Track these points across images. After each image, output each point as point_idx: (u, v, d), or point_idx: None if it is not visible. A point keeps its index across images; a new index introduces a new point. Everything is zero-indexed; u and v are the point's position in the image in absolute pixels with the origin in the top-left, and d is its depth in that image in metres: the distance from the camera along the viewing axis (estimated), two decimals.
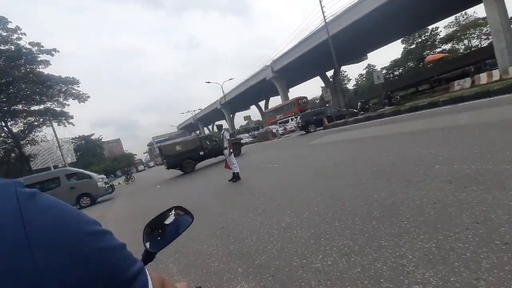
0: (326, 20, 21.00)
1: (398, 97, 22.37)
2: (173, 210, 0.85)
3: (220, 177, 8.52)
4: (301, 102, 34.00)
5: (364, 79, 61.79)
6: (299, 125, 19.74)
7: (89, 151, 52.32)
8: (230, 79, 38.62)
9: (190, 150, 14.03)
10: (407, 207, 2.72)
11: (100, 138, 60.38)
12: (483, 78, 18.21)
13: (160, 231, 0.78)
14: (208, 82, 37.30)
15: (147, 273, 0.40)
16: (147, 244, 0.73)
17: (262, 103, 61.81)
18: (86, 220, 0.31)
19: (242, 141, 18.93)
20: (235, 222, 3.79)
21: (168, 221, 0.81)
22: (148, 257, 0.71)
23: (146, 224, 0.79)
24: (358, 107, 21.28)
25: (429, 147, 4.89)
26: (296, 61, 33.86)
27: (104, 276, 0.29)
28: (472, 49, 41.63)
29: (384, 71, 49.66)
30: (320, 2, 20.22)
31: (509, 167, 3.02)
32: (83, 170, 13.33)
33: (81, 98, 25.38)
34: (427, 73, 33.97)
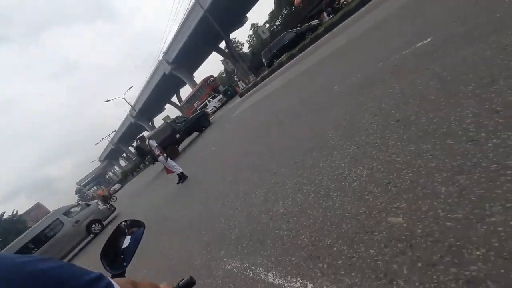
0: None
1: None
2: (122, 225, 0.83)
3: (167, 184, 8.08)
4: (210, 82, 33.35)
5: (254, 39, 63.31)
6: (266, 62, 18.07)
7: (10, 232, 43.03)
8: (130, 88, 35.09)
9: (167, 137, 13.63)
10: (328, 129, 3.07)
11: (15, 213, 49.88)
12: None
13: (116, 251, 0.76)
14: (108, 100, 33.26)
15: (109, 279, 0.40)
16: (108, 269, 0.71)
17: (175, 99, 58.65)
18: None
19: (208, 109, 17.93)
20: (200, 217, 3.74)
21: (126, 244, 0.78)
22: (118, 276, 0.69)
23: (100, 252, 0.75)
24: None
25: (328, 75, 5.47)
26: (186, 45, 32.36)
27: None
28: None
29: (267, 25, 51.45)
30: None
31: (381, 64, 3.62)
32: (77, 203, 12.56)
33: None
34: (301, 13, 36.51)
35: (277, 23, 53.52)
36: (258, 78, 16.82)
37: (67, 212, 11.11)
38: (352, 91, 3.60)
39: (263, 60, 18.63)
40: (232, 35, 50.84)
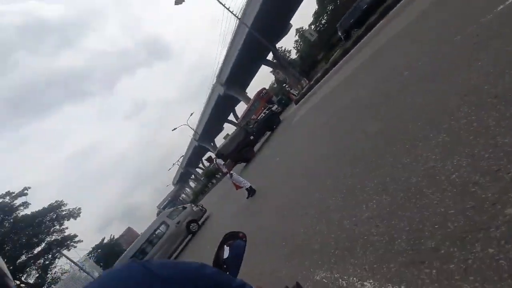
0: (239, 17, 21.43)
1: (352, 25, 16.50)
2: (225, 242, 0.85)
3: (237, 199, 8.45)
4: (263, 95, 34.26)
5: (301, 43, 63.12)
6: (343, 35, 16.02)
7: (110, 256, 50.66)
8: (191, 114, 38.68)
9: (241, 141, 14.89)
10: (407, 119, 2.83)
11: (112, 237, 58.72)
12: None
13: (224, 268, 0.79)
14: (175, 129, 37.21)
15: (251, 285, 0.47)
16: None
17: (232, 118, 62.02)
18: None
19: (274, 108, 19.51)
20: (277, 229, 3.80)
21: (226, 255, 0.82)
22: None
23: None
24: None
25: (393, 61, 5.09)
26: (236, 64, 34.24)
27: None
28: None
29: (312, 27, 50.68)
30: (224, 5, 20.65)
31: (459, 37, 3.20)
32: (175, 207, 14.57)
33: (73, 214, 24.79)
34: (349, 3, 35.01)
35: (323, 21, 52.40)
36: (312, 82, 16.58)
37: (170, 215, 13.06)
38: (428, 73, 3.26)
39: (339, 33, 16.82)
40: (278, 45, 51.81)
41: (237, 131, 15.94)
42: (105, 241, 55.43)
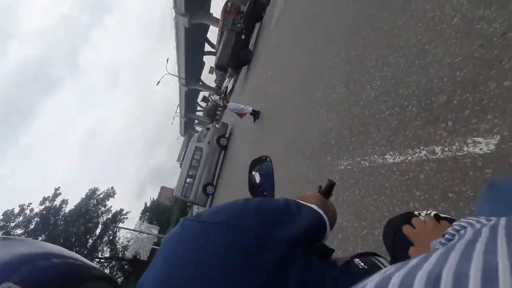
0: None
1: None
2: (253, 169, 0.90)
3: (245, 125, 8.56)
4: (229, 9, 30.73)
5: None
6: None
7: (157, 214, 56.46)
8: (167, 60, 36.14)
9: (235, 43, 14.59)
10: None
11: (152, 200, 64.21)
12: None
13: (260, 191, 0.85)
14: (158, 82, 35.51)
15: (293, 199, 0.50)
16: None
17: (208, 48, 57.72)
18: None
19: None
20: (292, 138, 3.91)
21: (258, 180, 0.87)
22: None
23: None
24: None
25: None
26: None
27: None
28: None
29: None
30: None
31: None
32: (200, 131, 15.96)
33: (110, 194, 26.89)
34: None
35: None
36: None
37: (199, 139, 14.25)
38: None
39: None
40: None
41: (226, 36, 15.01)
42: (148, 204, 60.96)
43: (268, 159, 0.87)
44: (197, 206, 15.63)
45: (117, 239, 29.37)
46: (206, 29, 44.12)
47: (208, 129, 14.26)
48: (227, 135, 13.78)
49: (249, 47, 14.76)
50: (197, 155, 13.60)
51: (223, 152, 13.74)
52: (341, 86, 2.78)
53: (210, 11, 39.05)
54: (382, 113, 1.97)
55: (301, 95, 4.03)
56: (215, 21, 35.96)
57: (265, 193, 0.83)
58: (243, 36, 14.52)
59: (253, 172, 0.89)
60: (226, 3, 31.49)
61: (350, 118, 2.42)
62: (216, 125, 13.93)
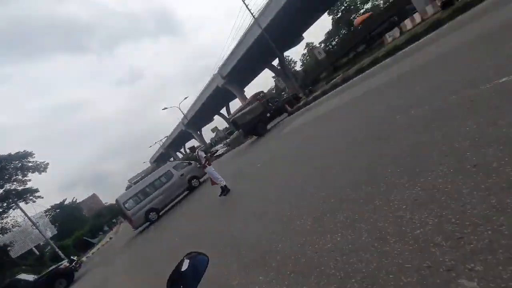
0: (255, 16, 21.38)
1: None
2: (186, 257, 0.86)
3: (210, 197, 8.37)
4: (259, 97, 34.31)
5: (307, 57, 63.85)
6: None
7: (68, 218, 48.76)
8: (185, 98, 38.00)
9: (258, 114, 15.63)
10: (387, 162, 2.90)
11: (74, 200, 56.60)
12: (408, 24, 19.64)
13: (181, 281, 0.79)
14: (165, 108, 36.44)
15: None
16: None
17: (224, 111, 61.61)
18: None
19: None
20: (241, 235, 3.78)
21: (184, 267, 0.81)
22: None
23: (167, 281, 0.80)
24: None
25: (389, 102, 5.22)
26: (241, 61, 34.09)
27: None
28: (390, 0, 44.91)
29: (322, 45, 51.64)
30: (244, 1, 20.54)
31: (454, 97, 3.34)
32: (182, 161, 15.73)
33: (40, 168, 23.62)
34: (360, 34, 35.93)
35: (333, 43, 53.32)
36: (310, 97, 16.77)
37: (176, 166, 14.11)
38: (417, 124, 3.36)
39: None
40: (286, 53, 52.16)
41: (255, 105, 16.51)
42: (66, 202, 53.33)
43: (207, 257, 0.85)
44: (115, 231, 13.71)
45: (4, 215, 24.16)
46: (231, 97, 47.95)
47: (190, 163, 14.35)
48: (201, 180, 13.85)
49: (267, 126, 16.24)
50: (164, 178, 13.33)
51: (186, 192, 13.53)
52: (308, 219, 2.87)
53: (244, 88, 43.14)
54: (329, 269, 1.98)
55: (271, 205, 4.10)
56: (243, 97, 39.54)
57: (184, 286, 0.78)
58: (268, 114, 16.01)
59: (185, 258, 0.85)
60: (260, 92, 35.17)
61: (299, 254, 2.40)
62: (198, 166, 13.96)
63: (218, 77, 38.09)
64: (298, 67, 64.91)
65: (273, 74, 47.55)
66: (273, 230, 3.21)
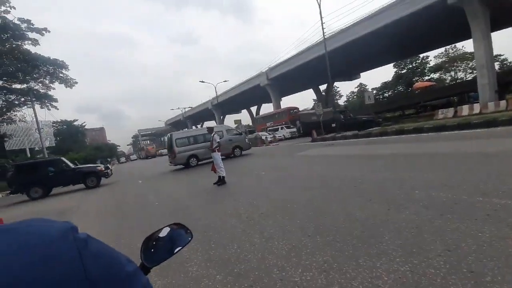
0: (325, 36, 21.52)
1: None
2: (172, 226, 0.81)
3: (207, 179, 8.47)
4: (292, 112, 34.33)
5: (355, 97, 63.40)
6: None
7: (70, 137, 50.58)
8: (225, 81, 38.70)
9: (326, 120, 15.90)
10: (386, 229, 2.83)
11: (83, 124, 58.62)
12: (465, 109, 19.10)
13: (155, 246, 0.75)
14: (202, 82, 37.17)
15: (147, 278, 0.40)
16: (143, 258, 0.71)
17: (253, 108, 62.08)
18: (125, 262, 0.32)
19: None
20: (217, 227, 3.79)
21: (163, 234, 0.77)
22: (143, 271, 0.68)
23: (144, 238, 0.76)
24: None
25: (411, 171, 5.09)
26: (292, 71, 34.35)
27: None
28: (458, 80, 43.93)
29: (374, 92, 51.22)
30: (321, 18, 20.73)
31: (481, 199, 3.20)
32: (236, 128, 17.22)
33: (68, 83, 24.54)
34: (414, 98, 35.30)
35: (386, 94, 52.66)
36: (339, 135, 16.60)
37: (228, 130, 15.58)
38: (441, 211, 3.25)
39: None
40: (337, 83, 52.08)
41: (328, 111, 17.65)
42: (75, 123, 55.37)
43: (191, 236, 0.80)
44: (125, 160, 14.46)
45: (16, 108, 25.02)
46: (266, 100, 48.38)
47: (240, 134, 16.21)
48: (245, 152, 15.84)
49: (323, 134, 17.08)
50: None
51: (223, 157, 14.33)
52: (285, 244, 2.84)
53: (282, 98, 43.43)
54: None
55: (258, 214, 4.09)
56: (277, 105, 39.75)
57: (154, 251, 0.73)
58: (333, 125, 16.66)
59: (166, 227, 0.80)
60: (294, 107, 35.21)
61: (264, 272, 2.38)
62: (247, 140, 16.14)
63: (263, 76, 38.54)
64: (341, 101, 64.61)
65: (315, 97, 47.52)
66: (248, 238, 3.20)
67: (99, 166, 14.13)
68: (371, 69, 40.72)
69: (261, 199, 4.98)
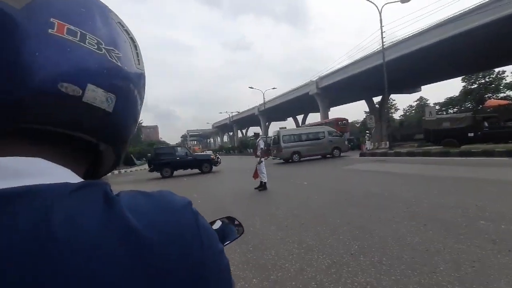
0: (385, 45, 20.44)
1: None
2: (224, 219, 0.80)
3: (246, 183, 8.61)
4: (340, 124, 33.08)
5: (413, 111, 58.72)
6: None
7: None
8: (273, 88, 39.24)
9: (458, 128, 13.29)
10: (442, 259, 2.56)
11: (140, 122, 64.47)
12: None
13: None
14: (251, 88, 38.17)
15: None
16: None
17: (299, 117, 61.50)
18: (217, 239, 0.35)
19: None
20: (256, 232, 3.84)
21: (215, 227, 0.76)
22: None
23: None
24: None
25: (477, 199, 4.53)
26: (344, 81, 33.29)
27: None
28: None
29: (437, 107, 46.71)
30: (381, 27, 19.78)
31: None
32: (335, 131, 18.25)
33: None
34: (487, 117, 31.31)
35: (451, 111, 47.71)
36: (392, 151, 15.51)
37: (330, 132, 17.32)
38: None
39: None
40: (393, 96, 48.94)
41: (464, 116, 14.14)
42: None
43: (242, 232, 0.79)
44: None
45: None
46: (313, 109, 47.61)
47: (341, 136, 17.70)
48: (342, 154, 17.29)
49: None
50: (317, 135, 16.66)
51: (320, 157, 16.99)
52: (326, 259, 2.75)
53: (330, 108, 42.39)
54: None
55: (299, 224, 4.03)
56: (325, 115, 38.89)
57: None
58: (471, 134, 13.42)
59: (218, 219, 0.82)
60: (343, 118, 34.12)
61: (301, 283, 2.34)
62: (346, 142, 18.05)
63: (313, 85, 38.06)
64: (397, 115, 60.38)
65: (366, 109, 45.24)
66: (287, 247, 3.17)
67: (212, 155, 16.52)
68: (434, 81, 37.35)
69: (302, 209, 4.90)
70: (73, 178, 0.29)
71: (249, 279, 2.53)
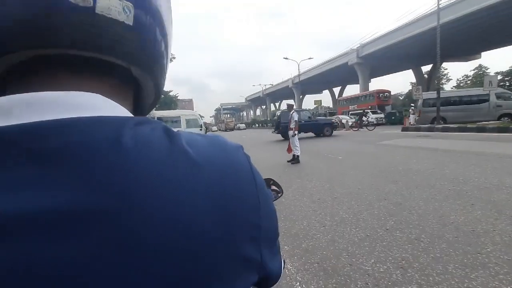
0: (440, 5, 18.11)
1: None
2: (271, 183, 0.84)
3: (280, 155, 8.64)
4: (382, 96, 31.08)
5: (469, 82, 52.84)
6: None
7: (166, 105, 58.23)
8: (309, 58, 37.53)
9: None
10: (491, 240, 2.40)
11: (176, 95, 66.58)
12: None
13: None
14: (286, 58, 36.88)
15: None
16: None
17: (336, 90, 58.85)
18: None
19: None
20: (288, 203, 3.89)
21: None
22: None
23: None
24: None
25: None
26: (388, 49, 30.72)
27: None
28: None
29: (500, 77, 41.39)
30: None
31: None
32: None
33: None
34: None
35: None
36: (440, 126, 14.35)
37: (498, 93, 15.42)
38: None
39: None
40: (445, 64, 44.26)
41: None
42: (170, 93, 63.25)
43: (281, 193, 0.83)
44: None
45: None
46: (353, 81, 45.16)
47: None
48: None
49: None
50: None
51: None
52: (360, 232, 2.73)
53: (371, 79, 39.97)
54: (361, 277, 1.92)
55: (331, 198, 4.00)
56: (365, 87, 36.72)
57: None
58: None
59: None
60: (386, 90, 32.06)
61: (332, 253, 2.36)
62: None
63: (353, 54, 35.73)
64: (449, 86, 54.87)
65: (414, 80, 41.64)
66: (320, 217, 3.19)
67: (333, 119, 17.44)
68: (498, 47, 32.87)
69: (336, 183, 4.83)
70: (128, 114, 0.30)
71: (281, 246, 2.62)
